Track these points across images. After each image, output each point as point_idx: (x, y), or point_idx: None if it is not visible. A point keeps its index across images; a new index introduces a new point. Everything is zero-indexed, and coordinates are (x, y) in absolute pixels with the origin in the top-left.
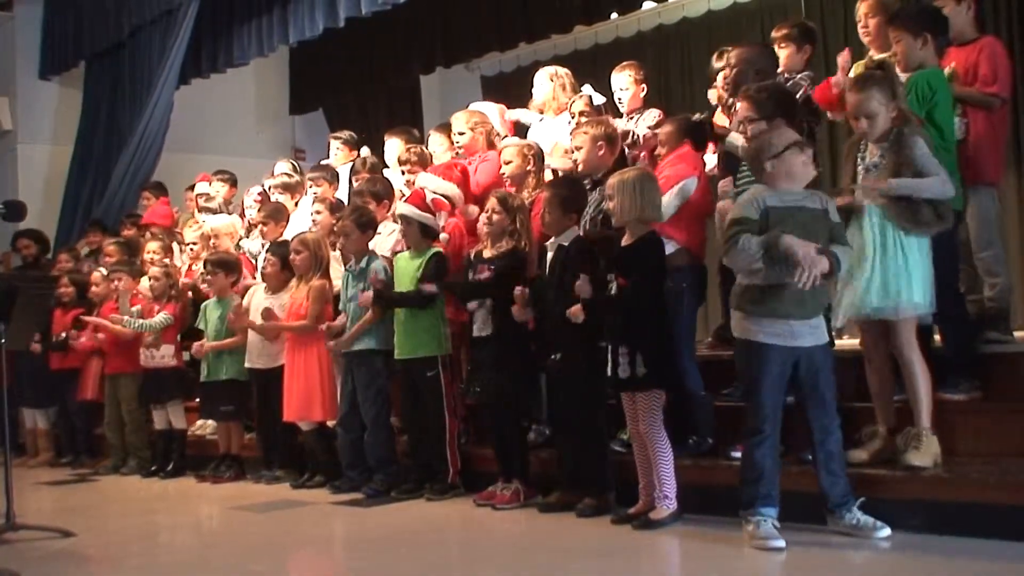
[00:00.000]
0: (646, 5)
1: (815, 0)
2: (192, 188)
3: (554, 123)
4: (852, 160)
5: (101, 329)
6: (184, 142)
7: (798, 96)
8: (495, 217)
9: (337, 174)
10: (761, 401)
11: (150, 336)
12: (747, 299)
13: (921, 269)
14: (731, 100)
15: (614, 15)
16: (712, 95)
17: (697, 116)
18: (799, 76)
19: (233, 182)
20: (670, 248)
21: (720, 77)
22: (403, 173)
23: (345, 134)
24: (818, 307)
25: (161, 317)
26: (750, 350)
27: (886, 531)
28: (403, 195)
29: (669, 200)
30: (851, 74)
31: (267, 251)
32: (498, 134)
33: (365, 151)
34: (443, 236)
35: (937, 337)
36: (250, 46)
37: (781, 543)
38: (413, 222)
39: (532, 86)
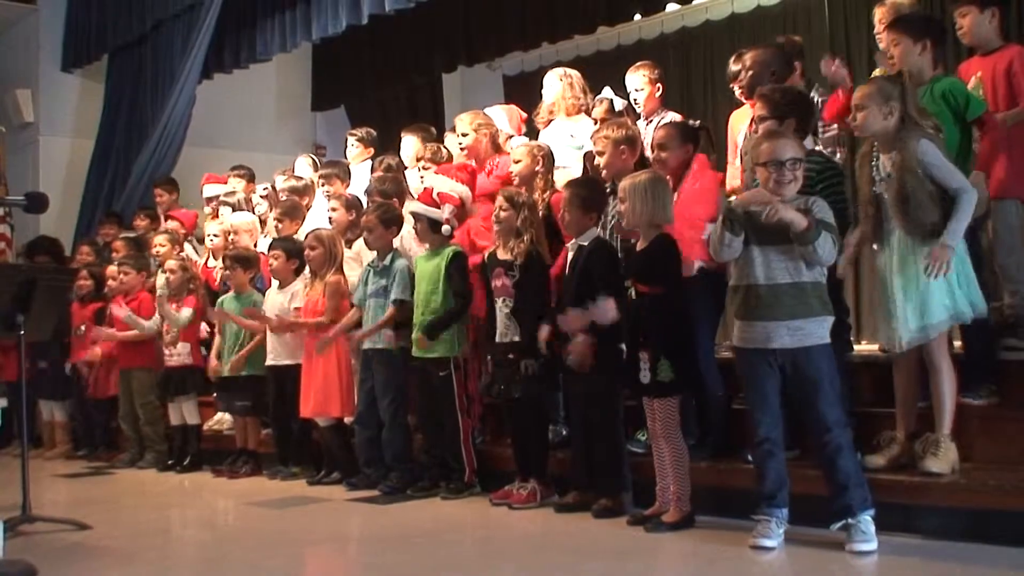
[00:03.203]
0: (669, 7)
1: (838, 4)
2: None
3: (565, 125)
4: (867, 169)
5: (120, 339)
6: (205, 137)
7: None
8: (502, 214)
9: (349, 170)
10: (752, 407)
11: (170, 334)
12: (730, 301)
13: (955, 277)
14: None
15: (637, 16)
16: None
17: (692, 122)
18: (813, 90)
19: (250, 177)
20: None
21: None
22: (419, 170)
23: (362, 131)
24: (797, 309)
25: (186, 312)
26: (736, 356)
27: (864, 545)
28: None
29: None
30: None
31: (270, 247)
32: (510, 135)
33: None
34: (445, 228)
35: (957, 344)
36: (273, 42)
37: (769, 542)
38: (422, 218)
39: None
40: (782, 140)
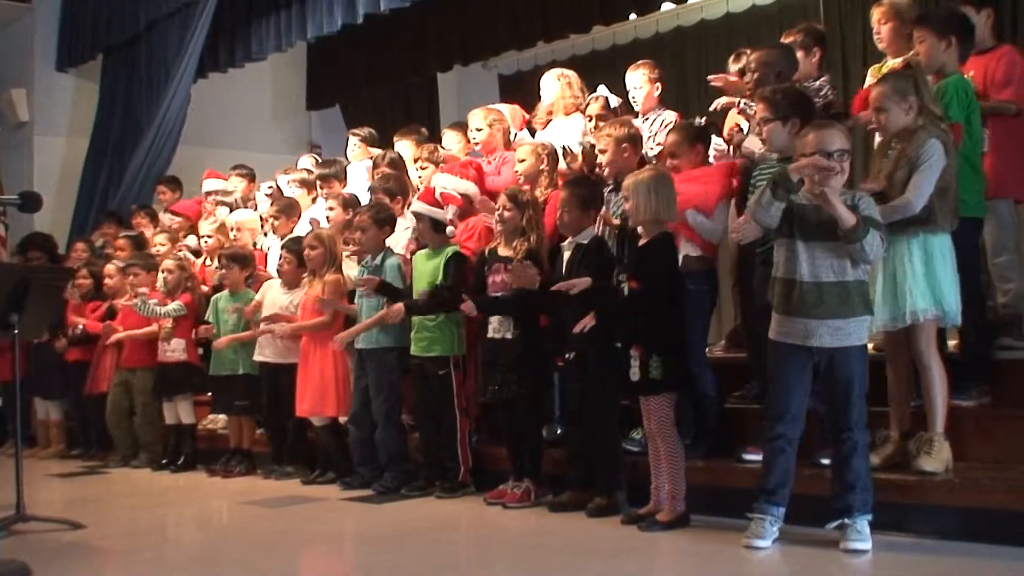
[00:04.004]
0: (664, 6)
1: (833, 3)
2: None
3: (565, 124)
4: (881, 156)
5: (127, 339)
6: (200, 136)
7: (820, 100)
8: (506, 214)
9: (345, 170)
10: (774, 400)
11: (164, 329)
12: (772, 296)
13: (923, 274)
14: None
15: (632, 16)
16: (722, 100)
17: (698, 120)
18: (819, 83)
19: (251, 177)
20: (691, 251)
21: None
22: (417, 170)
23: (364, 131)
24: (840, 309)
25: (175, 305)
26: (770, 348)
27: (859, 544)
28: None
29: (719, 222)
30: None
31: (282, 247)
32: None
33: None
34: (449, 230)
35: (952, 343)
36: (268, 41)
37: (762, 543)
38: (424, 218)
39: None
40: (829, 130)
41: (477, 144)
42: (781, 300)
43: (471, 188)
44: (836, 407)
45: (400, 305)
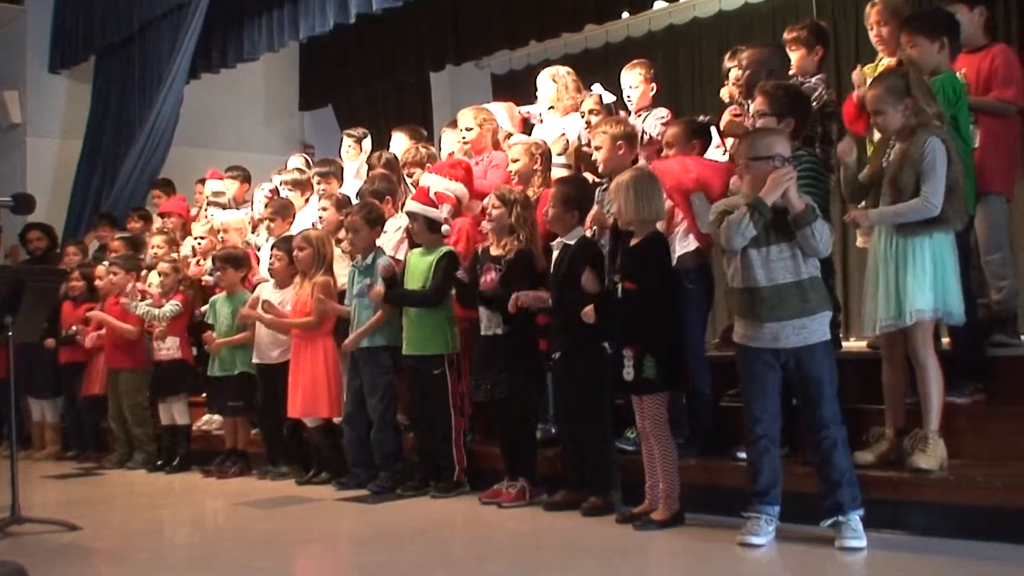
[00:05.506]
0: (657, 5)
1: (826, 1)
2: (203, 182)
3: (561, 122)
4: (879, 156)
5: (105, 324)
6: (193, 137)
7: (814, 99)
8: (494, 212)
9: (341, 170)
10: (748, 403)
11: (159, 328)
12: (733, 303)
13: (932, 273)
14: (746, 102)
15: (625, 14)
16: (724, 93)
17: (702, 117)
18: (814, 80)
19: (245, 178)
20: (688, 247)
21: (732, 76)
22: (407, 176)
23: (358, 131)
24: (801, 308)
25: (170, 306)
26: (738, 353)
27: (854, 542)
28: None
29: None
30: (866, 80)
31: (273, 247)
32: (509, 133)
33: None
34: (444, 228)
35: (945, 340)
36: (260, 41)
37: (758, 540)
38: (418, 217)
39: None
40: (770, 135)
41: (467, 144)
42: (744, 308)
43: (460, 189)
44: (809, 406)
45: (380, 287)
